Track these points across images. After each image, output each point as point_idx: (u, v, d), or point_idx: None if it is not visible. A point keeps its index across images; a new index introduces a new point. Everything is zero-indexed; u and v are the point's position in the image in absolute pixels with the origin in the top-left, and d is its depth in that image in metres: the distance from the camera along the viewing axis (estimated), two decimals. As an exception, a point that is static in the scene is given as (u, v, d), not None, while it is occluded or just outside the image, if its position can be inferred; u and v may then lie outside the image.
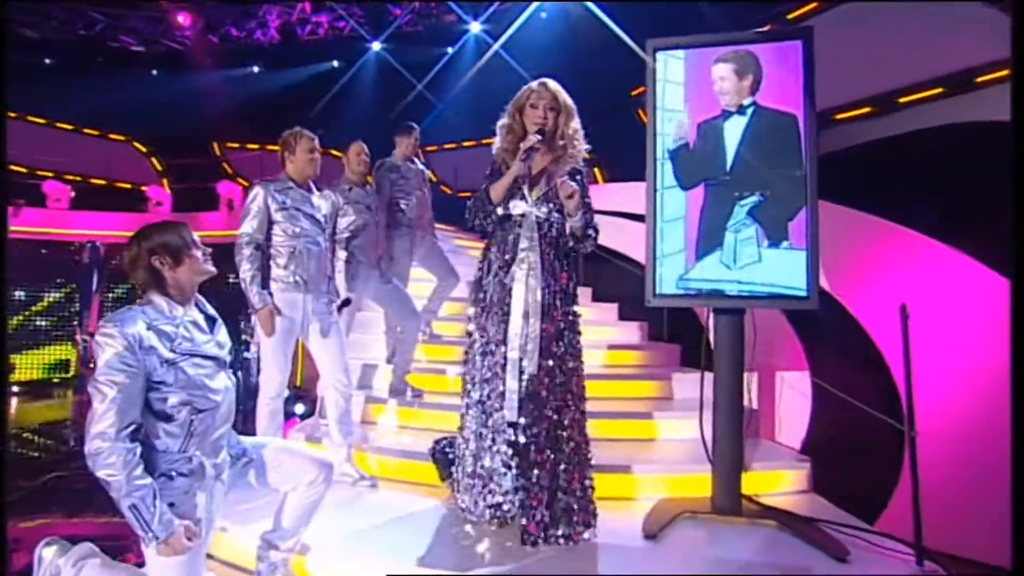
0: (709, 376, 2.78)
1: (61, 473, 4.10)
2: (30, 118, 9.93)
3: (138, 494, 1.57)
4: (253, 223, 2.71)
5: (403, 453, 3.05)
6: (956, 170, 4.34)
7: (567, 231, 2.37)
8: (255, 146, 10.53)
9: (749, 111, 2.63)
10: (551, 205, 2.37)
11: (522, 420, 2.26)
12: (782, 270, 2.60)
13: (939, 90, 4.45)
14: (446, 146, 9.76)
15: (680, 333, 4.70)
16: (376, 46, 10.29)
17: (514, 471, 2.26)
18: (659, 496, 2.84)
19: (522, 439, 2.26)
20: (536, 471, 2.24)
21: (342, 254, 3.43)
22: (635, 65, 7.24)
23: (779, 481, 3.04)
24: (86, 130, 10.65)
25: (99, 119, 10.42)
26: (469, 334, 2.45)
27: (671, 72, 2.75)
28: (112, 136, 10.92)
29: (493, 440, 2.27)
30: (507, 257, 2.36)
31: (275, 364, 2.73)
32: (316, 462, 1.96)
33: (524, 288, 2.30)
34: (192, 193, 10.01)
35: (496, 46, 7.94)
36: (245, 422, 2.64)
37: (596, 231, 2.42)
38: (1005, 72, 4.11)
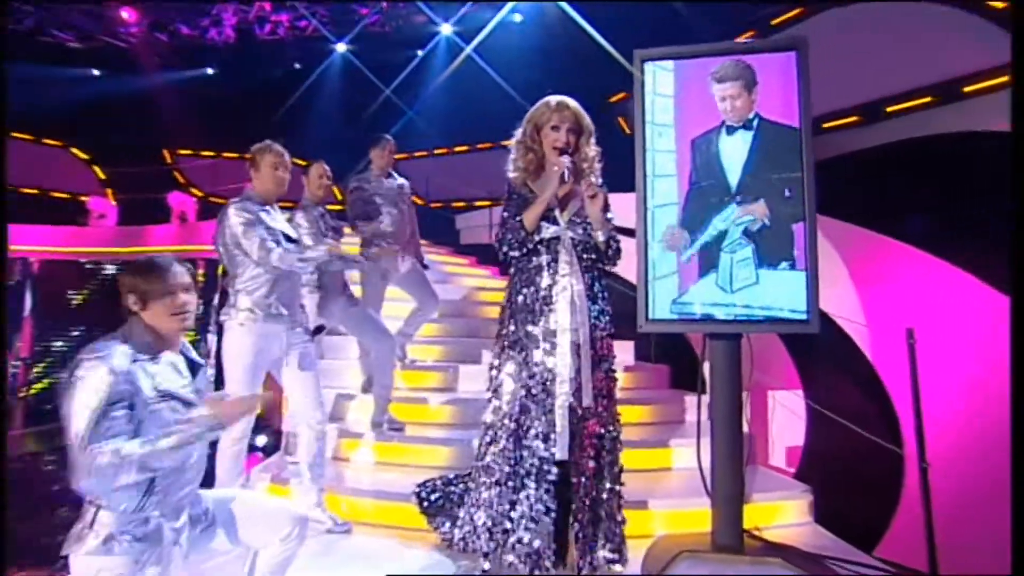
0: (705, 399, 2.77)
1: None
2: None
3: (165, 443, 1.55)
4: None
5: (381, 494, 2.96)
6: (946, 180, 4.46)
7: (594, 249, 2.44)
8: (210, 153, 10.30)
9: (755, 124, 2.64)
10: (583, 225, 2.43)
11: (562, 456, 2.25)
12: (780, 292, 2.60)
13: (927, 99, 4.59)
14: (416, 154, 9.72)
15: (668, 353, 4.71)
16: (341, 47, 10.20)
17: (553, 514, 2.23)
18: (658, 533, 2.81)
19: (571, 478, 2.26)
20: (586, 506, 2.26)
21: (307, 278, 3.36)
22: (613, 70, 7.35)
23: (780, 512, 3.04)
24: (15, 134, 10.26)
25: (31, 122, 10.05)
26: (493, 368, 2.40)
27: (660, 84, 2.75)
28: (46, 141, 10.56)
29: (536, 483, 2.22)
30: (545, 285, 2.34)
31: None
32: (290, 515, 1.88)
33: (571, 318, 2.29)
34: (140, 204, 9.72)
35: (468, 49, 7.95)
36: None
37: (619, 245, 2.49)
38: (993, 82, 4.25)
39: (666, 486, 3.19)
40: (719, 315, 2.63)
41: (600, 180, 2.54)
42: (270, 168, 2.77)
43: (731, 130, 2.66)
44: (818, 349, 4.42)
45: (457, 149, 9.83)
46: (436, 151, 9.48)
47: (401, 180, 4.17)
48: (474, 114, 9.02)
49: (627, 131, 6.78)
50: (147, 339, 1.68)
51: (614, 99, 6.90)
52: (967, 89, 4.39)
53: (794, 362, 4.60)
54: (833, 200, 4.16)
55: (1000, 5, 4.09)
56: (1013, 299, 1.41)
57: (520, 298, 2.39)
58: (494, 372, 2.41)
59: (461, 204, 8.89)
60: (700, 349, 3.01)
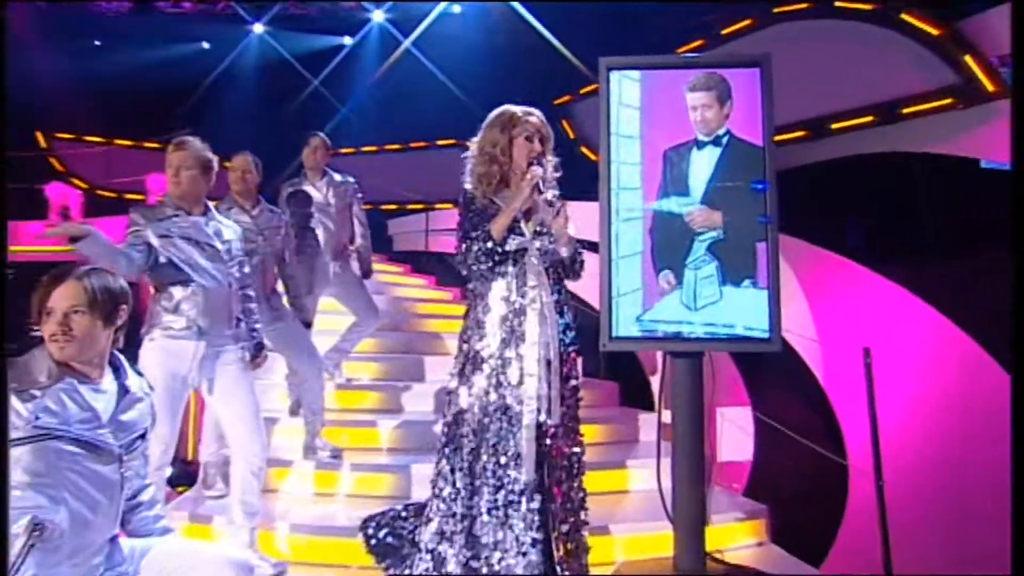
0: (663, 416, 2.86)
1: None
2: None
3: None
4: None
5: (320, 529, 2.87)
6: (889, 198, 4.84)
7: (559, 262, 2.48)
8: (98, 139, 9.56)
9: (724, 140, 2.75)
10: (547, 236, 2.46)
11: (529, 479, 2.25)
12: (743, 310, 2.72)
13: (869, 118, 4.95)
14: (343, 151, 9.52)
15: (618, 369, 4.83)
16: (258, 28, 9.82)
17: (540, 545, 2.23)
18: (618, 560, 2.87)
19: (541, 504, 2.26)
20: (564, 532, 2.28)
21: None
22: (559, 70, 7.51)
23: (738, 534, 3.17)
24: None
25: None
26: (452, 386, 2.39)
27: (626, 94, 2.83)
28: None
29: (506, 514, 2.22)
30: (513, 298, 2.35)
31: (164, 423, 2.49)
32: (231, 564, 1.71)
33: (540, 331, 2.31)
34: (9, 196, 8.89)
35: (407, 43, 7.87)
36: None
37: (583, 259, 2.54)
38: (927, 105, 4.64)
39: (624, 509, 3.26)
40: (683, 333, 2.73)
41: (558, 191, 2.59)
42: (172, 170, 2.63)
43: (701, 144, 2.76)
44: (767, 364, 4.67)
45: (389, 147, 9.70)
46: (365, 149, 9.29)
47: (341, 178, 4.08)
48: (408, 110, 8.94)
49: (572, 134, 6.92)
50: (45, 364, 1.51)
51: (559, 102, 7.03)
52: (905, 111, 4.76)
53: (743, 378, 4.82)
54: (781, 215, 4.41)
55: (935, 32, 4.48)
56: (1013, 299, 1.58)
57: (486, 312, 2.39)
58: (455, 391, 2.39)
59: (393, 207, 8.78)
60: (659, 366, 3.10)
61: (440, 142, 9.97)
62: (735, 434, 4.59)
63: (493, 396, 2.30)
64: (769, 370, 4.78)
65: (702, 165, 2.76)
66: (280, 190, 4.01)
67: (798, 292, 4.66)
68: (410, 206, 9.18)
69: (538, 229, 2.46)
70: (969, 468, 3.39)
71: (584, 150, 6.42)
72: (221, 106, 9.34)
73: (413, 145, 10.08)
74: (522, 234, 2.42)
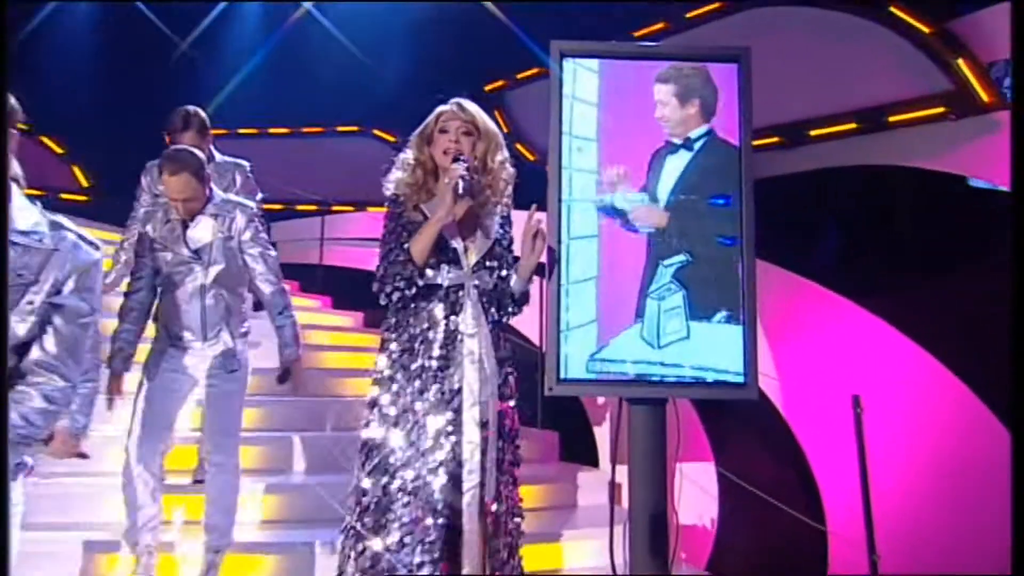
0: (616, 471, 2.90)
1: None
2: None
3: None
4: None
5: None
6: (871, 218, 5.13)
7: (507, 295, 2.48)
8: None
9: (696, 145, 2.84)
10: (491, 270, 2.44)
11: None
12: (714, 349, 2.81)
13: (852, 125, 5.27)
14: (214, 133, 9.25)
15: (558, 416, 4.88)
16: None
17: None
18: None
19: None
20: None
21: None
22: (492, 49, 7.59)
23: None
24: None
25: None
26: (363, 454, 2.34)
27: (582, 87, 2.88)
28: None
29: None
30: (441, 345, 2.31)
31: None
32: None
33: (477, 388, 2.28)
34: None
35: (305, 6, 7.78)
36: None
37: (529, 295, 2.57)
38: (918, 114, 4.99)
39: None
40: (644, 375, 2.79)
41: (510, 205, 2.61)
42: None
43: (673, 149, 2.85)
44: (732, 412, 4.82)
45: (274, 131, 9.52)
46: (242, 131, 9.05)
47: (225, 159, 3.98)
48: (301, 86, 8.81)
49: (506, 128, 7.00)
50: None
51: (491, 88, 7.11)
52: (892, 119, 5.09)
53: (705, 428, 4.96)
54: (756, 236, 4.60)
55: (926, 30, 4.83)
56: (1013, 299, 1.71)
57: (404, 360, 2.36)
58: (365, 460, 2.35)
59: (278, 207, 8.57)
60: (609, 414, 3.14)
61: (341, 128, 9.91)
62: (696, 495, 4.72)
63: (418, 468, 2.27)
64: (734, 418, 4.94)
65: (671, 173, 2.85)
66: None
67: (767, 325, 4.87)
68: (301, 207, 9.02)
69: (483, 262, 2.44)
70: (967, 536, 3.60)
71: (520, 148, 6.53)
72: (57, 64, 8.85)
73: (307, 130, 9.95)
74: (458, 263, 2.41)
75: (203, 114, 3.90)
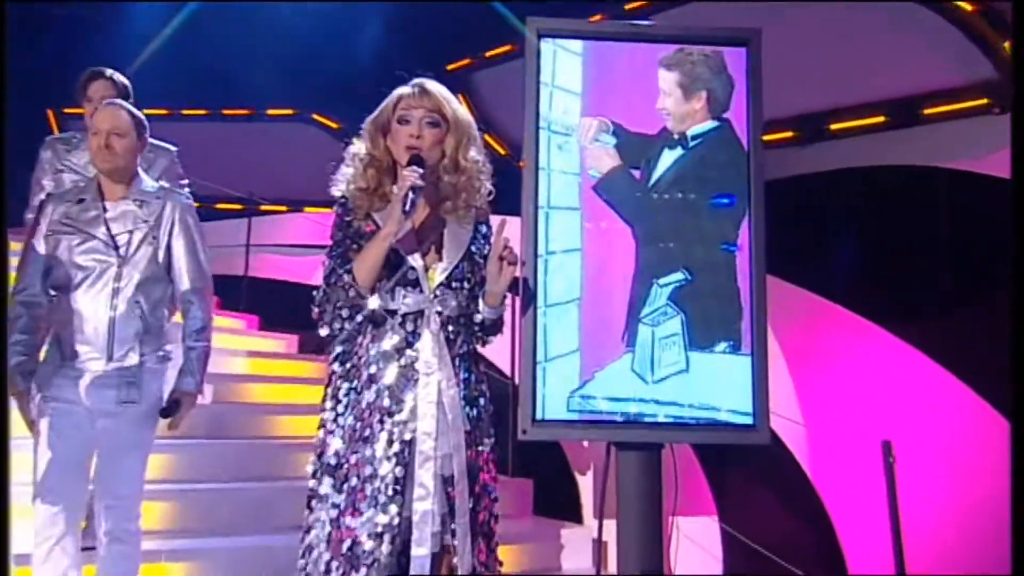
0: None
1: None
2: None
3: None
4: None
5: None
6: (903, 230, 5.20)
7: (475, 323, 2.44)
8: None
9: (696, 143, 2.89)
10: (460, 291, 2.39)
11: None
12: (718, 384, 2.85)
13: (879, 118, 5.36)
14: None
15: (533, 462, 4.88)
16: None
17: None
18: None
19: None
20: None
21: None
22: (456, 20, 7.60)
23: None
24: None
25: None
26: (308, 518, 2.33)
27: (562, 72, 2.92)
28: None
29: None
30: (393, 384, 2.30)
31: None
32: None
33: (437, 439, 2.26)
34: None
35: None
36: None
37: (503, 320, 2.51)
38: (958, 106, 5.09)
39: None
40: (636, 414, 2.81)
41: (487, 210, 2.56)
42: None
43: (671, 144, 2.90)
44: (738, 457, 4.87)
45: (189, 112, 9.45)
46: (150, 111, 8.98)
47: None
48: (223, 58, 8.75)
49: (473, 116, 7.01)
50: None
51: (454, 66, 7.14)
52: (927, 111, 5.20)
53: (706, 476, 5.00)
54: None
55: (968, 7, 4.92)
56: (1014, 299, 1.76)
57: (352, 399, 2.36)
58: (309, 514, 2.34)
59: (195, 206, 8.56)
60: (594, 461, 3.15)
61: (273, 111, 9.86)
62: (696, 555, 4.75)
63: (365, 536, 2.26)
64: (742, 465, 4.99)
65: (665, 164, 2.89)
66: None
67: (778, 355, 4.91)
68: (221, 206, 8.94)
69: (447, 284, 2.41)
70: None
71: (490, 140, 6.54)
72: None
73: (230, 112, 9.87)
74: (418, 287, 2.39)
75: (124, 79, 3.87)
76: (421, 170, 2.34)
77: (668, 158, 2.90)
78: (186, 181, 3.96)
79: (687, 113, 2.90)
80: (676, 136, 2.90)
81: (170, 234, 3.04)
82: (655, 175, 2.89)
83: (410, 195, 2.29)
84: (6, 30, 1.68)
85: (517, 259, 2.39)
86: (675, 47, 2.92)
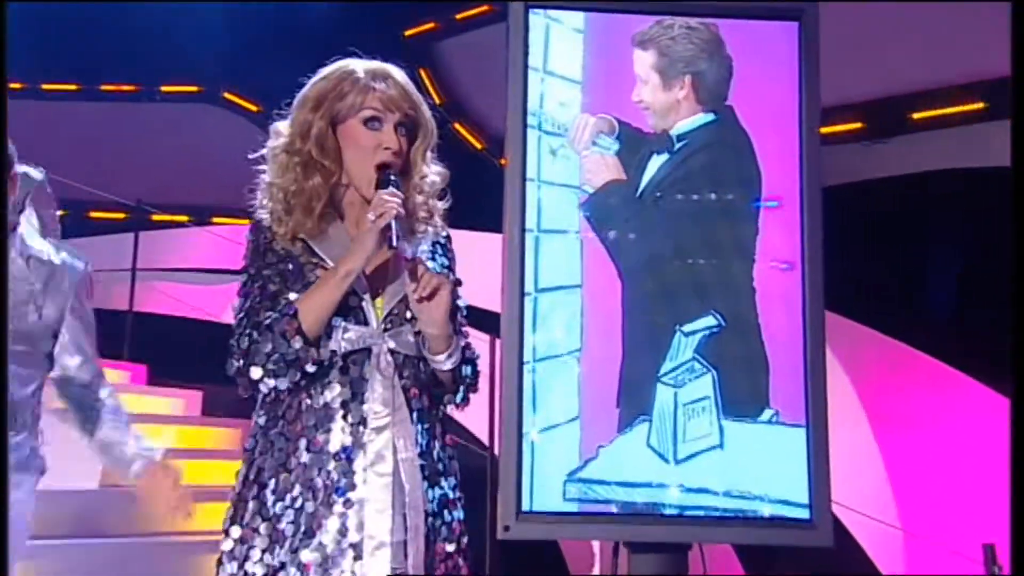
0: None
1: None
2: None
3: None
4: None
5: None
6: (1008, 255, 5.28)
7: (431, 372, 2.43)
8: None
9: (681, 145, 2.95)
10: (413, 329, 2.37)
11: None
12: (762, 465, 2.90)
13: (977, 104, 5.43)
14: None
15: (519, 563, 4.92)
16: None
17: None
18: None
19: None
20: None
21: None
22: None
23: None
24: None
25: None
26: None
27: (559, 54, 2.98)
28: None
29: None
30: (336, 450, 2.30)
31: None
32: None
33: (390, 521, 2.27)
34: None
35: None
36: None
37: (476, 367, 2.48)
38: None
39: None
40: (654, 505, 2.87)
41: (442, 225, 2.58)
42: None
43: (658, 148, 2.97)
44: (790, 556, 4.93)
45: (59, 86, 9.45)
46: (15, 86, 8.99)
47: None
48: (106, 22, 8.79)
49: (438, 97, 7.11)
50: None
51: (412, 32, 7.22)
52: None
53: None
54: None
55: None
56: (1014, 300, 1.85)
57: (277, 479, 2.38)
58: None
59: (61, 213, 8.58)
60: (600, 561, 3.21)
61: (169, 88, 9.82)
62: None
63: None
64: (796, 568, 5.04)
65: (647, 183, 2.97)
66: None
67: (845, 422, 4.97)
68: (96, 214, 8.97)
69: (396, 314, 2.38)
70: None
71: (459, 128, 6.62)
72: None
73: (109, 87, 9.85)
74: (363, 320, 2.41)
75: None
76: (401, 194, 2.34)
77: (653, 166, 2.95)
78: (58, 212, 4.04)
79: (668, 105, 2.95)
80: (658, 135, 2.95)
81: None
82: (641, 187, 2.95)
83: (394, 226, 2.26)
84: (6, 30, 1.87)
85: (433, 277, 2.30)
86: (655, 19, 2.97)
